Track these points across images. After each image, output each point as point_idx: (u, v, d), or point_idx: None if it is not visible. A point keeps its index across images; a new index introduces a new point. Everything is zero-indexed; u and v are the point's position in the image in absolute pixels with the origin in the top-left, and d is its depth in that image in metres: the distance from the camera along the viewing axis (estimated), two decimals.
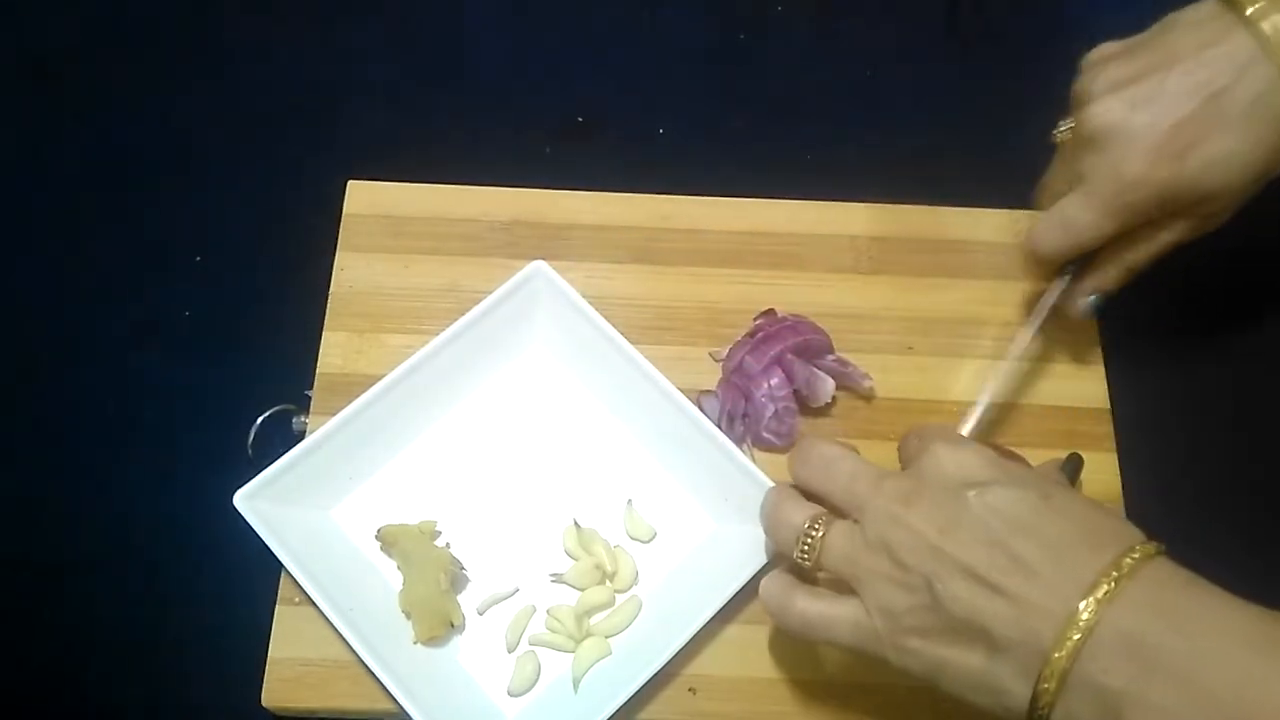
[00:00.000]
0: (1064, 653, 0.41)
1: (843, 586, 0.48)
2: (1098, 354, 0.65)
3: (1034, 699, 0.42)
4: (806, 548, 0.48)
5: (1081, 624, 0.41)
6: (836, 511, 0.49)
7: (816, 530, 0.48)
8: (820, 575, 0.50)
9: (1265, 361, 0.67)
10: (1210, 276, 0.69)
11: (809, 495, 0.51)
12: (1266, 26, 0.51)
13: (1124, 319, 0.66)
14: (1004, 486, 0.45)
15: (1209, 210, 0.55)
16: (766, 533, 0.52)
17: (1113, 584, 0.41)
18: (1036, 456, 0.62)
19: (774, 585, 0.51)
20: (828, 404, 0.63)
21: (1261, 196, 0.68)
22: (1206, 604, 0.41)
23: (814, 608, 0.49)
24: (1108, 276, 0.59)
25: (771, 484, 0.57)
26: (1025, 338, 0.61)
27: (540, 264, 0.62)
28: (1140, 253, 0.58)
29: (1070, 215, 0.56)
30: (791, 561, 0.50)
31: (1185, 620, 0.41)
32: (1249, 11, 0.52)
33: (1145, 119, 0.53)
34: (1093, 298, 0.60)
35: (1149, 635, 0.40)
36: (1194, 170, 0.53)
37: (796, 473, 0.51)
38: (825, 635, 0.49)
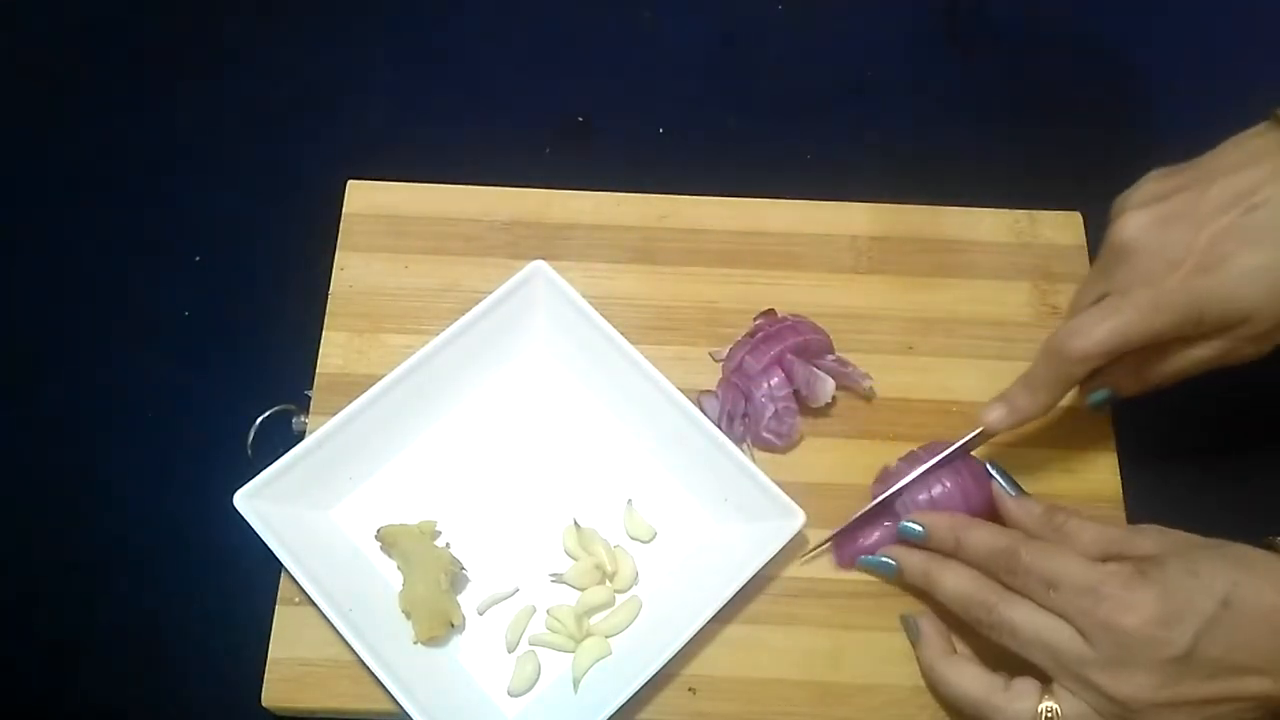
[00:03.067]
0: None
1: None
2: None
3: None
4: None
5: None
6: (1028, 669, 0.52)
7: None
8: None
9: (1265, 361, 0.67)
10: None
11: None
12: None
13: None
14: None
15: (1247, 333, 0.52)
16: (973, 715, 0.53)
17: None
18: (1037, 456, 0.62)
19: None
20: (828, 404, 0.63)
21: None
22: None
23: None
24: (1124, 383, 0.57)
25: (770, 479, 0.58)
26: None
27: (540, 264, 0.62)
28: (1168, 367, 0.55)
29: (1107, 315, 0.52)
30: None
31: None
32: None
33: (1179, 234, 0.52)
34: (1103, 392, 0.58)
35: None
36: (1230, 283, 0.51)
37: (1003, 626, 0.52)
38: None
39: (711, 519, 0.61)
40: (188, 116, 0.74)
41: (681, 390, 0.60)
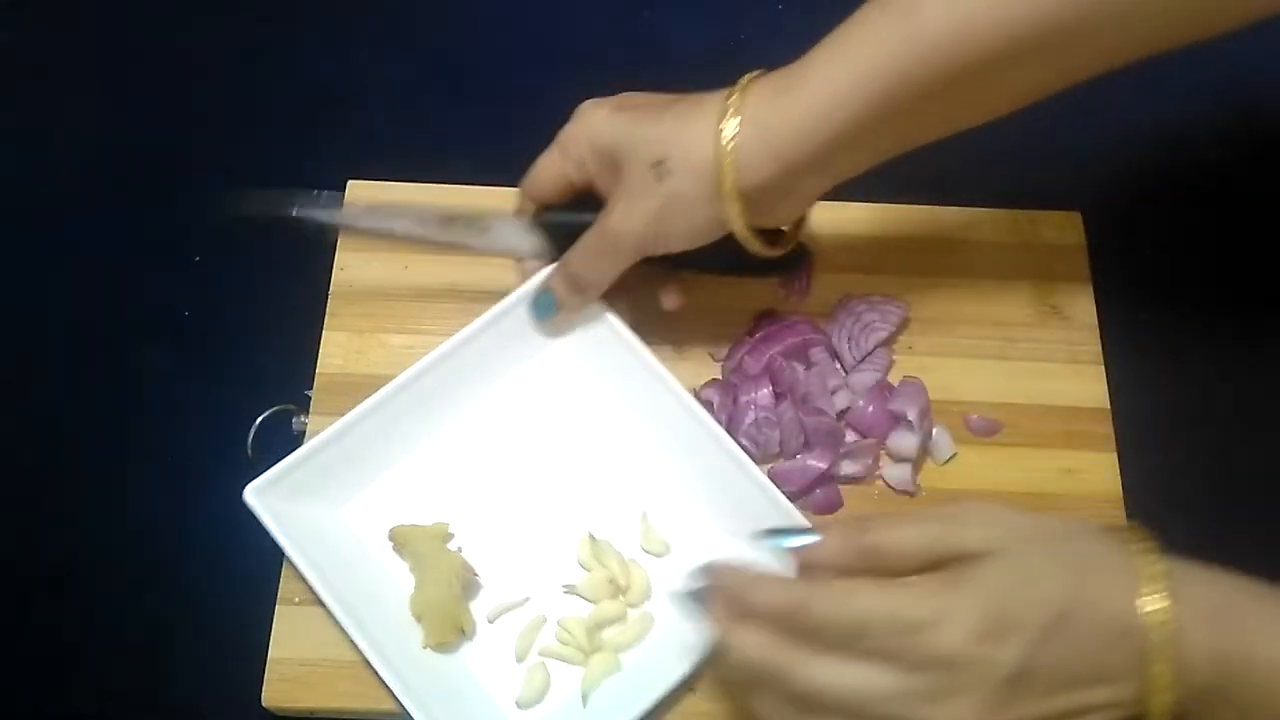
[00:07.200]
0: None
1: None
2: (1098, 354, 0.65)
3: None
4: None
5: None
6: None
7: None
8: None
9: (1264, 360, 0.67)
10: (1209, 276, 0.70)
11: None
12: None
13: (1123, 319, 0.66)
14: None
15: None
16: None
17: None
18: (1036, 456, 0.63)
19: None
20: None
21: (1259, 193, 0.68)
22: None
23: None
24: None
25: (785, 496, 0.57)
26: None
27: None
28: None
29: None
30: None
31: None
32: None
33: None
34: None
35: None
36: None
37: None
38: None
39: (726, 535, 0.59)
40: (188, 116, 0.74)
41: None
